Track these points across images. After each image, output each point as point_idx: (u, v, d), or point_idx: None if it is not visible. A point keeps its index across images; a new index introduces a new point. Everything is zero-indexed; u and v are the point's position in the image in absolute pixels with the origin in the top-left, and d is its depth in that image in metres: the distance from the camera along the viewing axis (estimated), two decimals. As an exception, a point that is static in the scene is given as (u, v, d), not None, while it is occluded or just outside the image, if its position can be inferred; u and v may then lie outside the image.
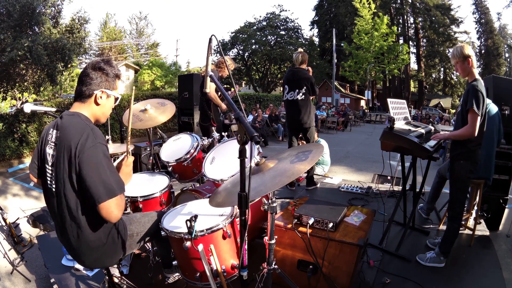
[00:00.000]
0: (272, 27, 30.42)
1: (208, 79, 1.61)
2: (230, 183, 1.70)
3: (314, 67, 27.43)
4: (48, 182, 1.47)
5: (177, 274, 2.02)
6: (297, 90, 3.82)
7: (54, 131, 1.44)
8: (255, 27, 30.49)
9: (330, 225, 1.95)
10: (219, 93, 4.01)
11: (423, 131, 2.74)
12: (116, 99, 1.59)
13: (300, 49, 4.16)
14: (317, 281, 1.95)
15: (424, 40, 33.40)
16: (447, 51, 31.38)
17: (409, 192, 3.16)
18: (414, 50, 33.48)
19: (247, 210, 1.30)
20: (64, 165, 1.36)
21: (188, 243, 1.57)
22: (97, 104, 1.51)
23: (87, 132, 1.37)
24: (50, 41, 7.48)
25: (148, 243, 2.37)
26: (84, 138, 1.35)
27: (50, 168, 1.45)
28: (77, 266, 2.31)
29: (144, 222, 1.75)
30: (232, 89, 4.42)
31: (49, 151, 1.44)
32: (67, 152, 1.35)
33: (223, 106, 4.11)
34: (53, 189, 1.44)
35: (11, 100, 8.56)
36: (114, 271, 2.10)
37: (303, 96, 3.81)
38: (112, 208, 1.33)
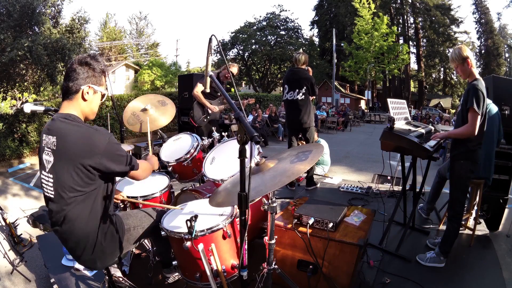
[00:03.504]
0: (272, 27, 30.40)
1: (208, 79, 1.61)
2: (230, 183, 1.70)
3: (314, 67, 27.42)
4: (44, 188, 1.45)
5: (177, 274, 2.02)
6: (297, 90, 3.81)
7: (49, 136, 1.41)
8: (255, 27, 30.47)
9: (330, 225, 1.95)
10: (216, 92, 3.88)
11: (423, 131, 2.74)
12: (103, 95, 1.56)
13: (300, 50, 4.14)
14: (317, 281, 1.95)
15: (424, 40, 33.39)
16: (447, 51, 31.37)
17: (409, 192, 3.16)
18: (414, 50, 33.50)
19: (247, 210, 1.30)
20: (67, 172, 1.36)
21: (188, 243, 1.57)
22: (84, 100, 1.48)
23: (94, 135, 1.39)
24: (50, 41, 7.47)
25: (148, 243, 2.38)
26: (96, 143, 1.38)
27: (46, 174, 1.43)
28: (77, 266, 2.31)
29: (140, 217, 1.76)
30: (251, 100, 4.24)
31: (46, 157, 1.42)
32: (76, 161, 1.35)
33: (209, 105, 3.87)
34: (51, 195, 1.42)
35: (11, 100, 8.55)
36: (115, 271, 2.10)
37: (303, 96, 3.80)
38: (140, 176, 1.61)
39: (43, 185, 1.45)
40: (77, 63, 1.46)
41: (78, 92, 1.46)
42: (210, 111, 3.92)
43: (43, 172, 1.45)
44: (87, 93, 1.47)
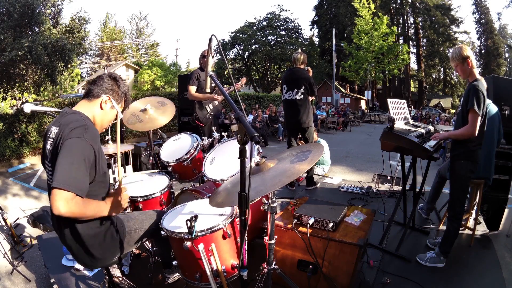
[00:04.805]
0: (272, 27, 30.40)
1: (209, 79, 1.61)
2: (230, 183, 1.70)
3: (314, 67, 27.42)
4: (48, 178, 1.48)
5: (177, 274, 2.02)
6: (295, 90, 3.81)
7: (54, 127, 1.46)
8: (255, 27, 30.46)
9: (330, 225, 1.95)
10: (215, 89, 3.85)
11: (423, 131, 2.74)
12: (117, 115, 1.63)
13: (299, 50, 4.11)
14: (317, 281, 1.95)
15: (424, 40, 33.37)
16: (447, 51, 31.36)
17: (409, 192, 3.16)
18: (414, 50, 33.47)
19: (247, 210, 1.30)
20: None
21: (188, 243, 1.58)
22: (101, 108, 1.56)
23: (80, 126, 1.39)
24: (50, 41, 7.47)
25: (148, 243, 2.38)
26: (72, 127, 1.37)
27: (48, 164, 1.47)
28: (77, 266, 2.31)
29: (142, 220, 1.76)
30: (243, 79, 4.15)
31: (48, 147, 1.47)
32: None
33: (210, 96, 3.80)
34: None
35: (11, 100, 8.54)
36: (115, 271, 2.10)
37: (302, 96, 3.79)
38: (59, 200, 1.24)
39: (47, 175, 1.49)
40: (108, 75, 1.60)
41: (99, 98, 1.55)
42: (211, 106, 3.93)
43: (45, 161, 1.49)
44: (105, 103, 1.56)
